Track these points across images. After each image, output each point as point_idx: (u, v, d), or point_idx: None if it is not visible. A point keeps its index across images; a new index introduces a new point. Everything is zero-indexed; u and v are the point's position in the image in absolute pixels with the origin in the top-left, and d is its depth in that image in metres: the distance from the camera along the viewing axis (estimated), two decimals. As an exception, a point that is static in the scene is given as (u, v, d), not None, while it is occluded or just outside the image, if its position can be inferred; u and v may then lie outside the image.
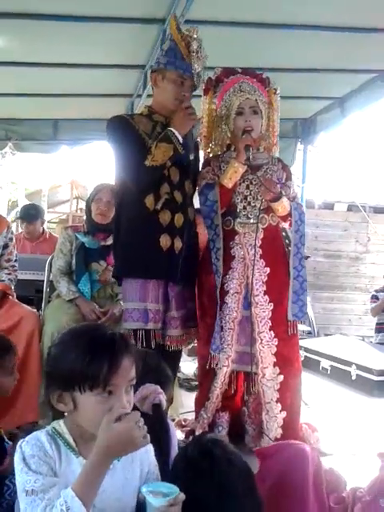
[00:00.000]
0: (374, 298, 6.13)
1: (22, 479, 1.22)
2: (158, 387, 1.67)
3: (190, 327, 2.72)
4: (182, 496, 1.25)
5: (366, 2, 3.15)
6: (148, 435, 1.25)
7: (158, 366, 1.88)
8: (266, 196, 2.69)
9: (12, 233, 3.35)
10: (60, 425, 1.34)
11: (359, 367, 4.19)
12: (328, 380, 4.45)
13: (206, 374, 2.76)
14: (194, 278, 2.72)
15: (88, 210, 3.28)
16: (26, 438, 1.29)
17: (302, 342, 5.12)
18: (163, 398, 1.67)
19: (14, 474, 1.83)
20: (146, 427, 1.24)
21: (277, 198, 2.68)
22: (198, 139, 2.86)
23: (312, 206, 8.19)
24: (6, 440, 2.12)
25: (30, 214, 4.90)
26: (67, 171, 12.88)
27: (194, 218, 2.73)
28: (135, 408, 1.34)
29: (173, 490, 1.26)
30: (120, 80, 4.35)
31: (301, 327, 5.93)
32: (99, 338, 1.31)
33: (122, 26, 3.45)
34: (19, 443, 1.28)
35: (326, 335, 6.64)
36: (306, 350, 4.92)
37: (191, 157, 2.59)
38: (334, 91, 4.65)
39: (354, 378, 4.21)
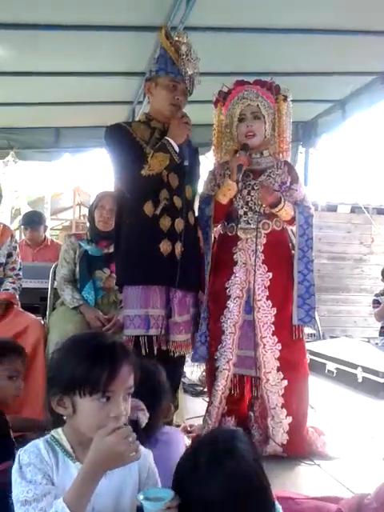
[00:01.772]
0: (376, 302, 6.12)
1: (17, 490, 1.26)
2: (141, 404, 1.67)
3: (194, 332, 2.72)
4: (178, 499, 1.28)
5: (365, 4, 3.15)
6: (140, 450, 1.28)
7: (154, 376, 1.87)
8: (264, 202, 2.71)
9: (16, 241, 3.36)
10: (58, 432, 1.38)
11: (365, 370, 4.18)
12: (334, 383, 4.44)
13: (212, 377, 2.79)
14: (196, 282, 2.72)
15: (91, 218, 3.29)
16: (25, 446, 1.33)
17: (307, 345, 5.12)
18: (143, 415, 1.67)
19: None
20: (137, 442, 1.27)
21: (275, 204, 2.70)
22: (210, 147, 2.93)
23: (315, 208, 8.12)
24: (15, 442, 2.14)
25: (33, 221, 4.93)
26: (69, 178, 12.95)
27: (195, 223, 2.74)
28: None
29: (168, 494, 1.29)
30: (121, 87, 4.36)
31: (305, 330, 5.95)
32: (100, 345, 1.36)
33: (122, 34, 3.46)
34: (18, 452, 1.32)
35: (332, 338, 6.62)
36: (312, 352, 4.91)
37: (186, 162, 2.60)
38: (335, 93, 4.65)
39: (360, 380, 4.20)
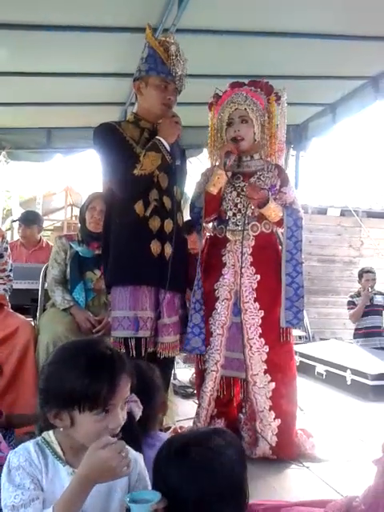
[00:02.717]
0: (351, 304, 6.18)
1: (5, 495, 1.26)
2: (134, 396, 1.66)
3: (182, 334, 2.72)
4: (165, 501, 1.29)
5: (357, 9, 3.17)
6: (131, 464, 1.29)
7: (145, 376, 1.87)
8: (251, 201, 2.72)
9: (7, 242, 3.35)
10: (50, 435, 1.37)
11: (354, 372, 4.21)
12: (323, 385, 4.46)
13: (198, 380, 2.82)
14: (183, 284, 2.73)
15: (82, 219, 3.28)
16: (16, 449, 1.33)
17: (297, 347, 5.14)
18: (136, 406, 1.67)
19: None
20: (129, 457, 1.27)
21: (263, 204, 2.70)
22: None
23: (305, 211, 8.18)
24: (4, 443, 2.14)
25: (29, 219, 4.95)
26: (61, 179, 12.88)
27: (183, 224, 2.74)
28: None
29: (155, 496, 1.29)
30: (113, 88, 4.36)
31: (295, 332, 5.97)
32: (98, 359, 1.33)
33: (114, 36, 3.46)
34: (8, 454, 1.32)
35: (321, 340, 6.65)
36: (301, 355, 4.94)
37: (177, 162, 2.61)
38: (326, 97, 4.68)
39: (349, 382, 4.23)
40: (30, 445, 1.34)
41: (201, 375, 2.80)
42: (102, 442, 1.24)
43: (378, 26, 3.36)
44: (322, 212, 8.80)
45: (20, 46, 3.58)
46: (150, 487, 1.43)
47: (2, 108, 4.66)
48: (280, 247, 2.85)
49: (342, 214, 8.78)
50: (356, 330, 6.13)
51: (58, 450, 1.34)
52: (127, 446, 1.29)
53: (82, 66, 3.99)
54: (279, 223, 2.81)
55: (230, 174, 2.72)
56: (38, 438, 1.37)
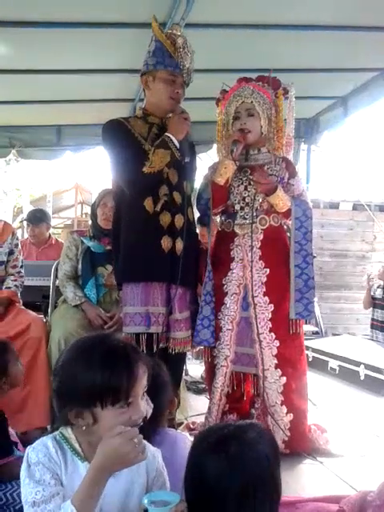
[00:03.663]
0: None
1: (26, 491, 1.25)
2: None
3: (194, 329, 2.71)
4: (184, 504, 1.27)
5: (367, 1, 3.14)
6: (146, 452, 1.27)
7: (154, 372, 1.87)
8: (259, 187, 2.69)
9: (17, 239, 3.35)
10: (68, 431, 1.35)
11: (368, 367, 4.17)
12: (336, 380, 4.43)
13: (209, 375, 2.80)
14: (195, 279, 2.72)
15: (93, 215, 3.28)
16: (33, 444, 1.32)
17: (309, 343, 5.12)
18: (146, 404, 1.66)
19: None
20: (143, 443, 1.26)
21: (271, 191, 2.68)
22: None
23: (317, 206, 8.17)
24: (16, 440, 2.15)
25: (36, 217, 4.93)
26: (71, 176, 12.94)
27: (194, 219, 2.73)
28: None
29: (174, 497, 1.26)
30: (122, 85, 4.35)
31: (308, 327, 5.96)
32: (113, 351, 1.32)
33: (122, 31, 3.45)
34: (27, 450, 1.31)
35: (334, 335, 6.61)
36: (314, 350, 4.91)
37: (187, 159, 2.59)
38: (337, 90, 4.64)
39: (362, 377, 4.19)
40: (48, 440, 1.32)
41: (210, 369, 2.79)
42: (115, 431, 1.23)
43: (389, 17, 3.32)
44: (334, 206, 8.73)
45: (28, 43, 3.58)
46: (167, 484, 1.41)
47: (11, 106, 4.67)
48: (288, 241, 2.82)
49: (355, 208, 8.71)
50: (372, 320, 6.11)
51: (77, 446, 1.33)
52: (145, 441, 1.28)
53: (90, 62, 3.98)
54: (287, 214, 2.78)
55: (237, 164, 2.70)
56: (56, 433, 1.35)
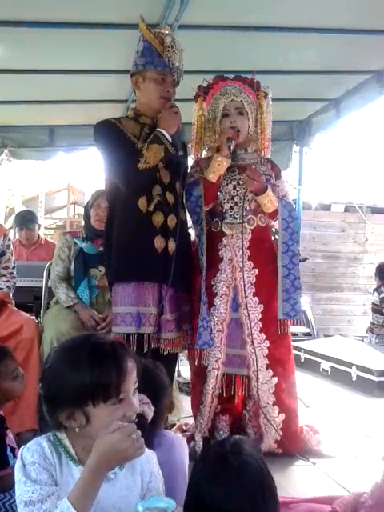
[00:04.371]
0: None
1: (21, 490, 1.23)
2: (145, 397, 1.65)
3: (185, 330, 2.71)
4: (180, 510, 1.27)
5: (360, 3, 3.15)
6: (144, 446, 1.25)
7: (155, 374, 1.87)
8: (250, 187, 2.68)
9: (9, 240, 3.33)
10: (61, 433, 1.34)
11: (359, 368, 4.19)
12: (328, 381, 4.45)
13: (198, 377, 2.77)
14: (186, 280, 2.71)
15: (86, 216, 3.28)
16: (28, 444, 1.30)
17: (301, 344, 5.13)
18: (148, 408, 1.66)
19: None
20: (141, 439, 1.24)
21: (262, 191, 2.68)
22: (190, 144, 2.88)
23: (309, 208, 8.20)
24: (13, 447, 2.13)
25: (28, 220, 4.93)
26: (64, 177, 12.88)
27: (186, 219, 2.73)
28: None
29: (170, 504, 1.25)
30: (115, 85, 4.34)
31: (300, 329, 5.97)
32: (99, 348, 1.31)
33: (115, 32, 3.44)
34: (21, 449, 1.29)
35: (326, 336, 6.64)
36: (306, 351, 4.93)
37: (181, 152, 2.59)
38: (329, 93, 4.65)
39: (354, 379, 4.21)
40: (42, 441, 1.31)
41: (200, 372, 2.75)
42: (112, 428, 1.22)
43: (382, 20, 3.34)
44: (326, 208, 8.77)
45: (21, 43, 3.56)
46: (162, 489, 1.39)
47: (4, 106, 4.65)
48: (274, 241, 2.83)
49: (346, 209, 8.75)
50: (371, 324, 6.14)
51: (71, 450, 1.32)
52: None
53: (84, 63, 3.97)
54: (272, 215, 2.79)
55: (230, 160, 2.68)
56: (50, 434, 1.33)
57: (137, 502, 1.32)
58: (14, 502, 1.81)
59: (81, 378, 1.26)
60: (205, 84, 2.88)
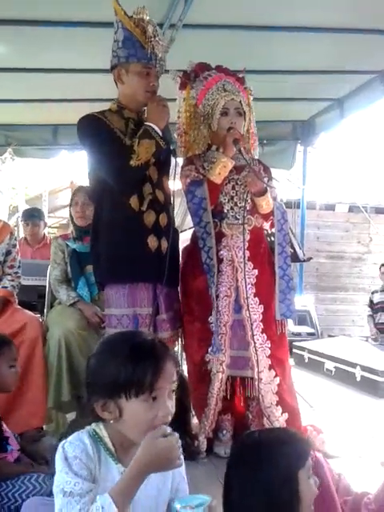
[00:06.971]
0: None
1: (62, 479, 1.24)
2: None
3: (177, 328, 2.71)
4: (216, 502, 1.27)
5: (364, 2, 3.14)
6: (182, 458, 1.28)
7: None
8: (253, 188, 2.65)
9: (15, 239, 3.34)
10: (101, 429, 1.34)
11: (364, 368, 4.18)
12: (332, 381, 4.44)
13: (201, 380, 2.71)
14: (176, 273, 2.68)
15: (71, 216, 3.31)
16: (69, 439, 1.31)
17: (305, 344, 5.13)
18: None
19: (17, 479, 1.87)
20: (181, 449, 1.26)
21: (263, 192, 2.67)
22: (175, 134, 2.79)
23: (313, 208, 8.19)
24: (13, 438, 2.14)
25: (34, 216, 4.96)
26: (67, 175, 12.86)
27: (174, 217, 2.69)
28: None
29: (205, 499, 1.25)
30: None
31: (304, 329, 5.96)
32: (140, 344, 1.33)
33: (120, 31, 3.44)
34: (61, 444, 1.30)
35: (330, 336, 6.63)
36: (310, 351, 4.92)
37: (172, 146, 2.56)
38: (333, 92, 4.65)
39: (358, 379, 4.20)
40: (84, 436, 1.31)
41: (200, 376, 2.71)
42: (160, 432, 1.23)
43: (387, 19, 3.33)
44: (330, 208, 8.76)
45: (26, 42, 3.57)
46: (187, 491, 1.41)
47: (7, 105, 4.65)
48: (268, 242, 2.83)
49: (351, 210, 8.74)
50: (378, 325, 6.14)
51: (110, 445, 1.32)
52: None
53: (88, 61, 3.97)
54: (267, 216, 2.78)
55: (233, 162, 2.65)
56: (90, 429, 1.34)
57: (166, 502, 1.35)
58: (11, 490, 1.85)
59: (117, 371, 1.27)
60: (189, 70, 2.78)
